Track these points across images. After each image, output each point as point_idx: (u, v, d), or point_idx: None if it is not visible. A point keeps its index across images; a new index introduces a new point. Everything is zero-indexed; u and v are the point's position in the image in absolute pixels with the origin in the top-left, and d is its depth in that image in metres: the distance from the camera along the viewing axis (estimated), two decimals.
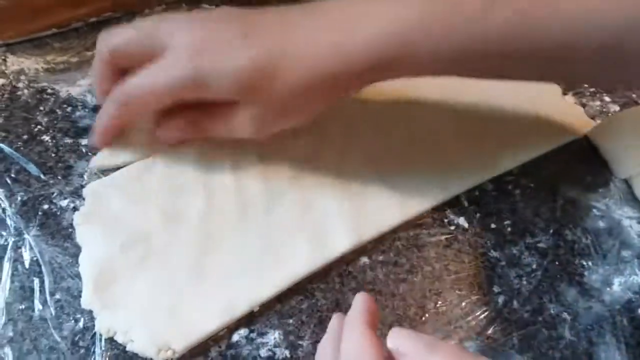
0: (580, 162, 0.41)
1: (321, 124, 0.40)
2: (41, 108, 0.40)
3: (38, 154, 0.38)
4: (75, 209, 0.35)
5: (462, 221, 0.37)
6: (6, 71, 0.42)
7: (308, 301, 0.33)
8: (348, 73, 0.30)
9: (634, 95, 0.45)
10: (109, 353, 0.30)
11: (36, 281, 0.32)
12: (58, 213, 0.35)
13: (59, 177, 0.36)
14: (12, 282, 0.32)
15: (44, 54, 0.44)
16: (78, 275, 0.32)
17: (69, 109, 0.40)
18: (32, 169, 0.37)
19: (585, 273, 0.35)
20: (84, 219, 0.34)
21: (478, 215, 0.37)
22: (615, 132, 0.40)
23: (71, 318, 0.31)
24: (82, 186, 0.36)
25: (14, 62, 0.43)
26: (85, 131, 0.39)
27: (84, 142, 0.38)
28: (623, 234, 0.37)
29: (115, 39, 0.32)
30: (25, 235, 0.33)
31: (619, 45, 0.29)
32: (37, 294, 0.31)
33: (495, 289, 0.34)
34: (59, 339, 0.30)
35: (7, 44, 0.44)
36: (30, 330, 0.30)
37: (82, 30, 0.46)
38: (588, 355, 0.32)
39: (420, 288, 0.34)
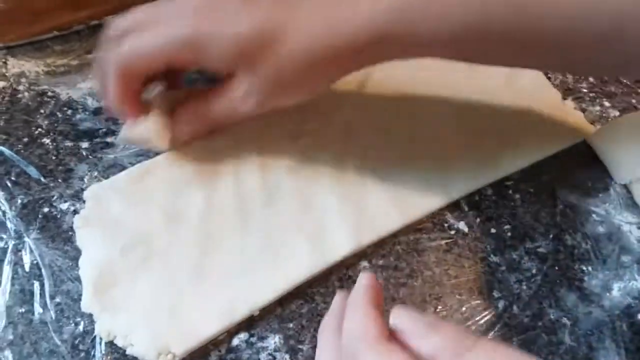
0: (580, 167, 0.41)
1: (321, 126, 0.40)
2: (42, 111, 0.40)
3: (38, 156, 0.38)
4: (75, 212, 0.35)
5: (462, 226, 0.37)
6: (7, 74, 0.42)
7: (308, 305, 0.33)
8: (348, 49, 0.30)
9: (633, 101, 0.45)
10: (109, 357, 0.29)
11: (36, 284, 0.32)
12: (58, 216, 0.35)
13: (60, 180, 0.36)
14: (12, 285, 0.32)
15: (44, 57, 0.44)
16: (78, 279, 0.32)
17: (69, 111, 0.40)
18: (33, 171, 0.37)
19: (585, 278, 0.35)
20: (84, 222, 0.34)
21: (478, 219, 0.37)
22: (615, 137, 0.40)
23: (71, 321, 0.31)
24: (83, 189, 0.36)
25: (15, 65, 0.43)
26: (85, 134, 0.39)
27: (84, 145, 0.39)
28: (623, 239, 0.37)
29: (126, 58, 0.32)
30: (26, 239, 0.33)
31: (619, 31, 0.29)
32: (37, 297, 0.31)
33: (495, 293, 0.34)
34: (59, 343, 0.30)
35: (7, 47, 0.44)
36: (31, 334, 0.30)
37: (83, 33, 0.46)
38: None
39: (420, 292, 0.34)
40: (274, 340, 0.31)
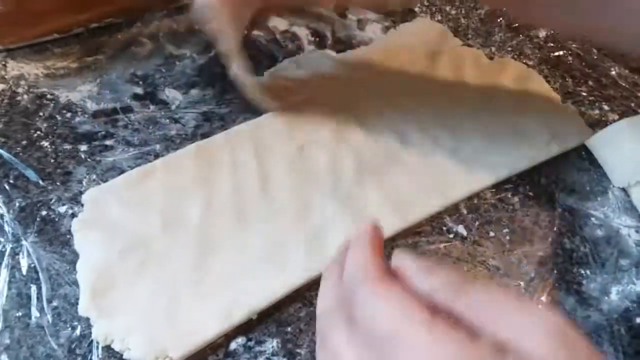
0: (578, 171, 0.41)
1: (316, 128, 0.40)
2: (41, 113, 0.40)
3: (37, 159, 0.37)
4: (73, 215, 0.35)
5: (460, 229, 0.37)
6: (6, 76, 0.42)
7: (306, 309, 0.32)
8: None
9: (632, 104, 0.45)
10: None
11: (33, 288, 0.32)
12: (56, 219, 0.35)
13: (58, 183, 0.36)
14: (9, 288, 0.32)
15: (44, 60, 0.44)
16: (75, 283, 0.32)
17: (68, 114, 0.40)
18: (31, 174, 0.37)
19: (584, 282, 0.35)
20: (83, 226, 0.34)
21: (477, 223, 0.37)
22: (613, 141, 0.40)
23: (68, 325, 0.30)
24: (81, 192, 0.36)
25: (14, 68, 0.43)
26: (84, 137, 0.39)
27: (83, 147, 0.39)
28: (621, 242, 0.37)
29: None
30: (23, 242, 0.33)
31: None
32: (34, 301, 0.31)
33: None
34: (55, 347, 0.30)
35: (7, 49, 0.44)
36: (27, 338, 0.30)
37: (83, 35, 0.46)
38: None
39: None
40: (271, 344, 0.31)
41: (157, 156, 0.38)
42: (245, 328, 0.31)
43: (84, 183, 0.37)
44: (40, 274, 0.32)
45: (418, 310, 0.19)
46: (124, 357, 0.29)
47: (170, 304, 0.31)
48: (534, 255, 0.36)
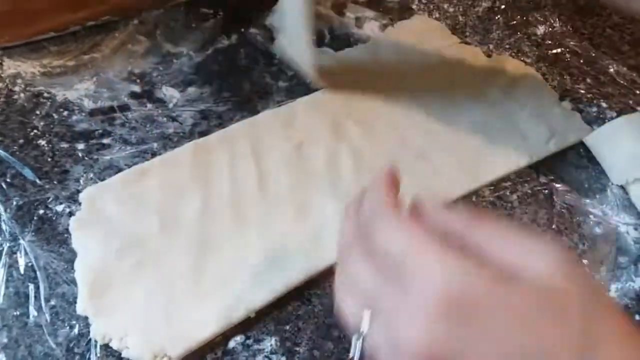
0: (577, 169, 0.41)
1: (314, 130, 0.40)
2: (37, 112, 0.40)
3: (34, 158, 0.37)
4: (71, 214, 0.35)
5: None
6: (2, 75, 0.42)
7: (305, 307, 0.32)
8: None
9: (630, 102, 0.45)
10: None
11: (31, 287, 0.32)
12: (54, 218, 0.35)
13: (55, 182, 0.36)
14: (6, 287, 0.31)
15: (40, 58, 0.44)
16: (73, 281, 0.32)
17: (65, 113, 0.40)
18: (28, 173, 0.36)
19: None
20: (80, 224, 0.34)
21: None
22: (612, 139, 0.40)
23: (66, 324, 0.30)
24: (78, 191, 0.35)
25: (11, 66, 0.43)
26: (81, 135, 0.39)
27: (80, 146, 0.38)
28: (620, 240, 0.37)
29: None
30: (21, 241, 0.33)
31: None
32: (32, 300, 0.31)
33: None
34: (53, 346, 0.30)
35: (3, 48, 0.44)
36: (25, 337, 0.30)
37: (80, 34, 0.46)
38: None
39: None
40: (270, 343, 0.31)
41: (154, 154, 0.38)
42: (244, 326, 0.31)
43: (81, 182, 0.36)
44: (37, 272, 0.32)
45: (430, 239, 0.20)
46: (122, 355, 0.29)
47: (169, 303, 0.31)
48: None
